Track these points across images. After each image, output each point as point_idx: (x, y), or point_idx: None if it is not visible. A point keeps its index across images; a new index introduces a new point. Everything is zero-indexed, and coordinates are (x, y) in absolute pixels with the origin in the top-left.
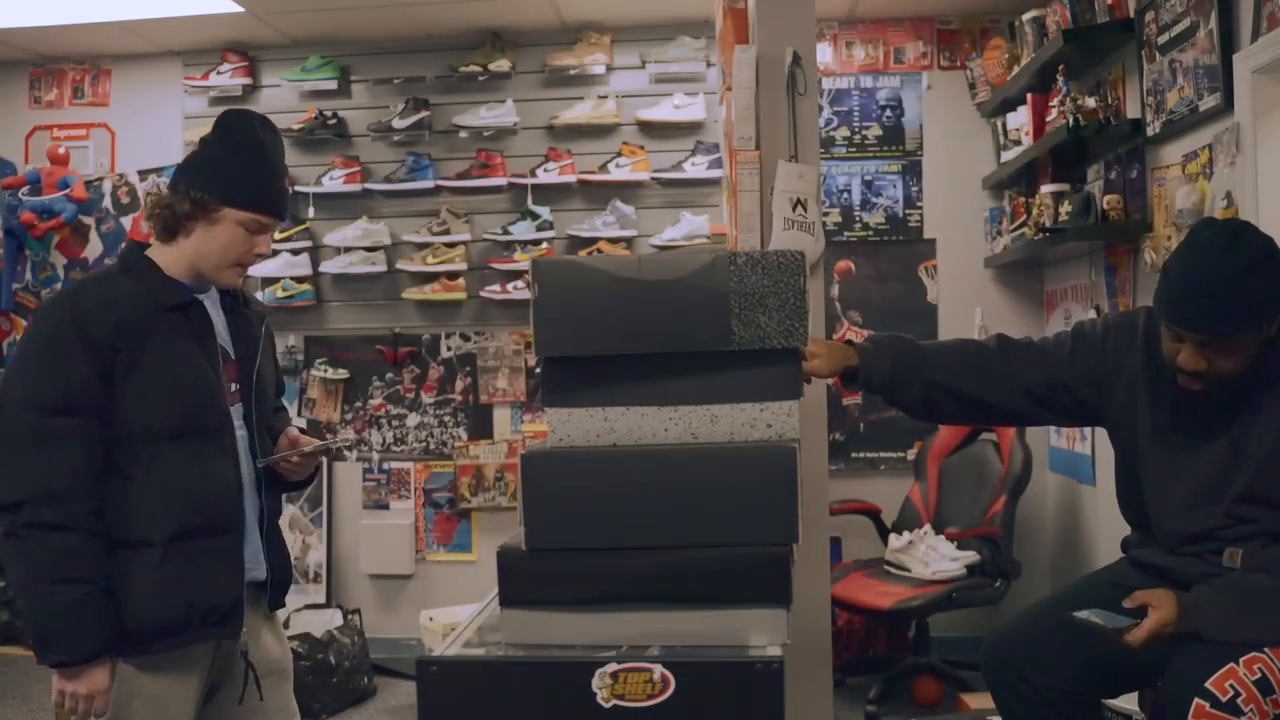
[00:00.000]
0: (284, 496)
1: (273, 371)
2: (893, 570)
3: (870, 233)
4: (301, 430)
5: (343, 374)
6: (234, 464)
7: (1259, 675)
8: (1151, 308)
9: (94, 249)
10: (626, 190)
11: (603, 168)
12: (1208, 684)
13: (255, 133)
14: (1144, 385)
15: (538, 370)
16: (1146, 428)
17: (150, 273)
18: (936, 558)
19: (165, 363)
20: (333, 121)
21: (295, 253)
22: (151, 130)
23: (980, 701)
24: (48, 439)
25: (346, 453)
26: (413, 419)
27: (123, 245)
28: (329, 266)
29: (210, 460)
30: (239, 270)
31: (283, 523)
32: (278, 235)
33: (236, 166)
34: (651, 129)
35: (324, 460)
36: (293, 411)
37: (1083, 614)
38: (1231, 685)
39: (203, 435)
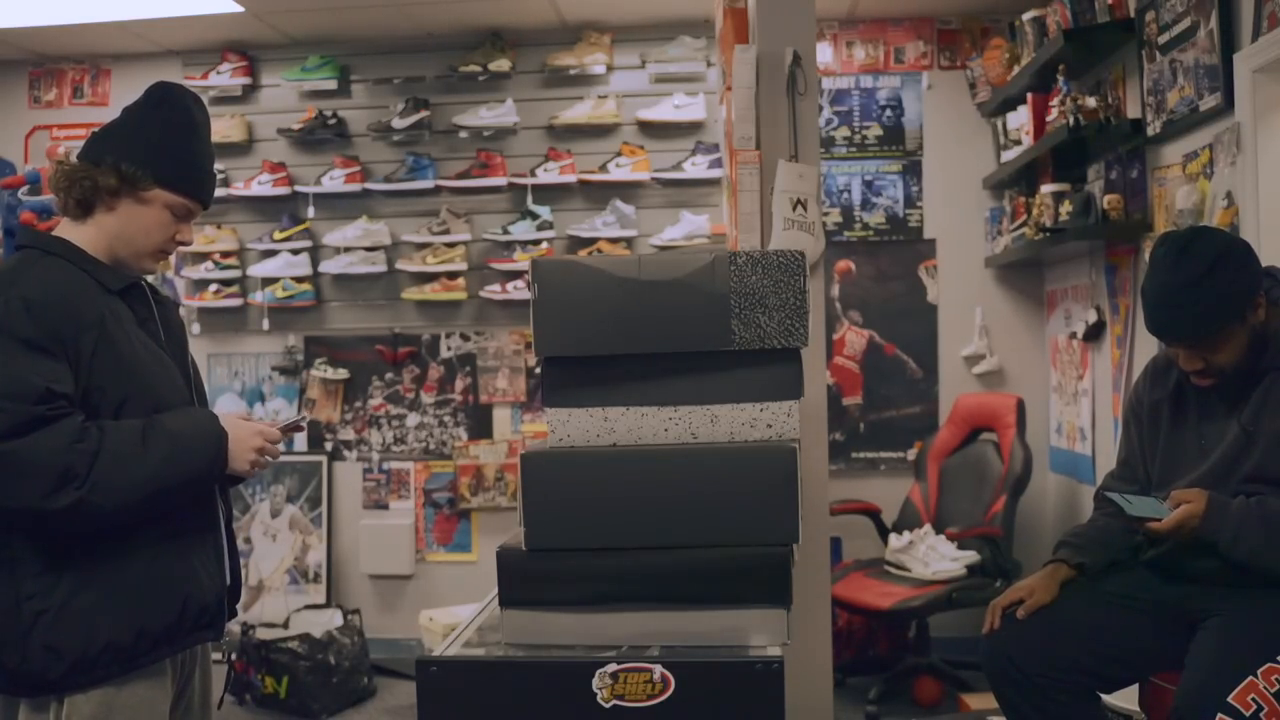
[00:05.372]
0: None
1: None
2: (893, 570)
3: (870, 233)
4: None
5: (343, 374)
6: None
7: (1278, 687)
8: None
9: None
10: (626, 190)
11: (603, 168)
12: (1230, 699)
13: (190, 110)
14: (1166, 404)
15: (538, 370)
16: (1166, 429)
17: (79, 255)
18: (936, 558)
19: (126, 350)
20: (333, 121)
21: (295, 253)
22: None
23: (980, 702)
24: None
25: (304, 425)
26: (412, 419)
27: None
28: (329, 266)
29: None
30: (160, 257)
31: (282, 522)
32: (278, 235)
33: (172, 143)
34: (651, 129)
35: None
36: (292, 412)
37: (1117, 496)
38: (1253, 699)
39: None
